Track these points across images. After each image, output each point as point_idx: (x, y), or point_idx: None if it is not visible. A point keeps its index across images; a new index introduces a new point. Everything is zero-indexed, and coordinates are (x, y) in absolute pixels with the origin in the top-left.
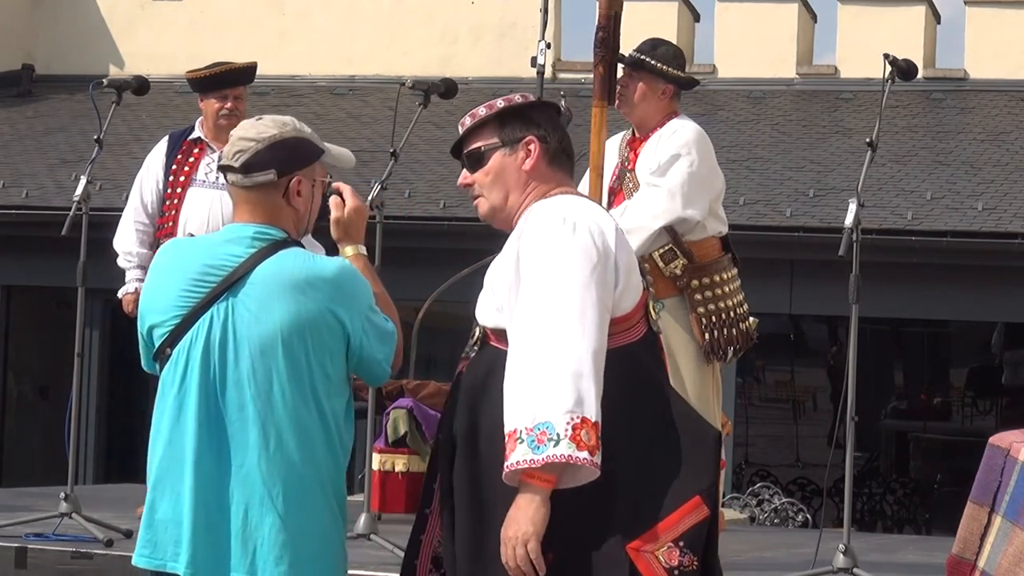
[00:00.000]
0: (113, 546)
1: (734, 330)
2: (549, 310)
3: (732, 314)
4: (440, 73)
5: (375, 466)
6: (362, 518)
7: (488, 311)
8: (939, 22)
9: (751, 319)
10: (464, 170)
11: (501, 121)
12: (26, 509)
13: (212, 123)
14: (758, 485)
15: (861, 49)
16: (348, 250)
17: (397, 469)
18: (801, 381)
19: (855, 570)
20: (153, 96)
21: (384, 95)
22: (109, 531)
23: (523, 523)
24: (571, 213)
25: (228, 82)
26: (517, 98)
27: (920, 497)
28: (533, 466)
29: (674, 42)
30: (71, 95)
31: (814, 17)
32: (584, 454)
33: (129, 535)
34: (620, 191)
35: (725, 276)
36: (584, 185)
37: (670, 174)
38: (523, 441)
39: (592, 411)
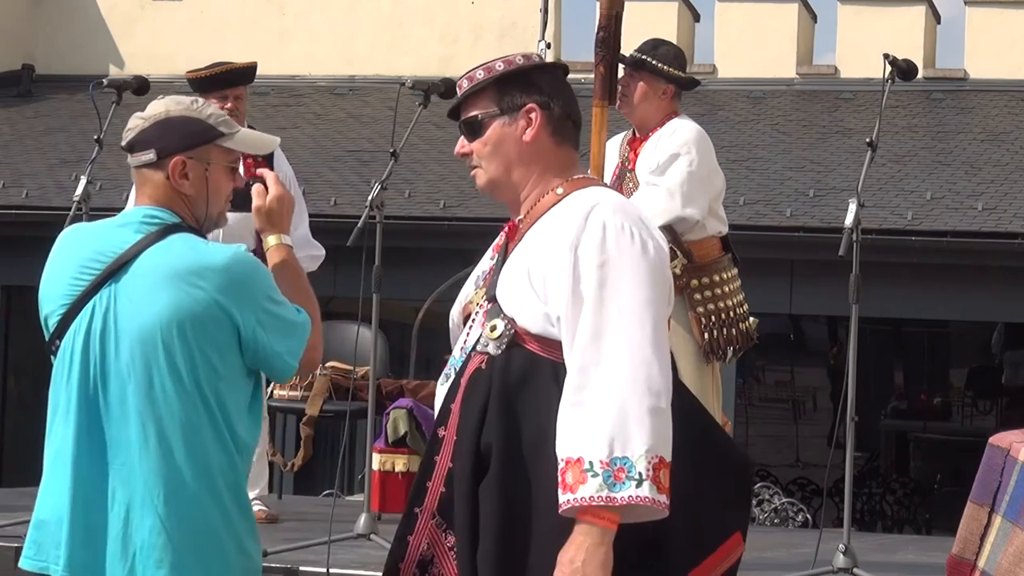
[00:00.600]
0: None
1: (734, 330)
2: (626, 338)
3: (732, 314)
4: (440, 73)
5: (375, 466)
6: (362, 518)
7: (532, 315)
8: (939, 22)
9: (751, 319)
10: (462, 137)
11: (500, 86)
12: (26, 509)
13: None
14: (758, 485)
15: (861, 49)
16: (271, 239)
17: (397, 469)
18: (801, 381)
19: (855, 570)
20: (153, 96)
21: (384, 95)
22: None
23: (593, 568)
24: (634, 223)
25: (228, 82)
26: (518, 59)
27: (920, 497)
28: (609, 504)
29: (674, 42)
30: (71, 95)
31: (814, 17)
32: (664, 497)
33: None
34: (620, 191)
35: (725, 276)
36: None
37: (669, 173)
38: (596, 475)
39: (668, 451)
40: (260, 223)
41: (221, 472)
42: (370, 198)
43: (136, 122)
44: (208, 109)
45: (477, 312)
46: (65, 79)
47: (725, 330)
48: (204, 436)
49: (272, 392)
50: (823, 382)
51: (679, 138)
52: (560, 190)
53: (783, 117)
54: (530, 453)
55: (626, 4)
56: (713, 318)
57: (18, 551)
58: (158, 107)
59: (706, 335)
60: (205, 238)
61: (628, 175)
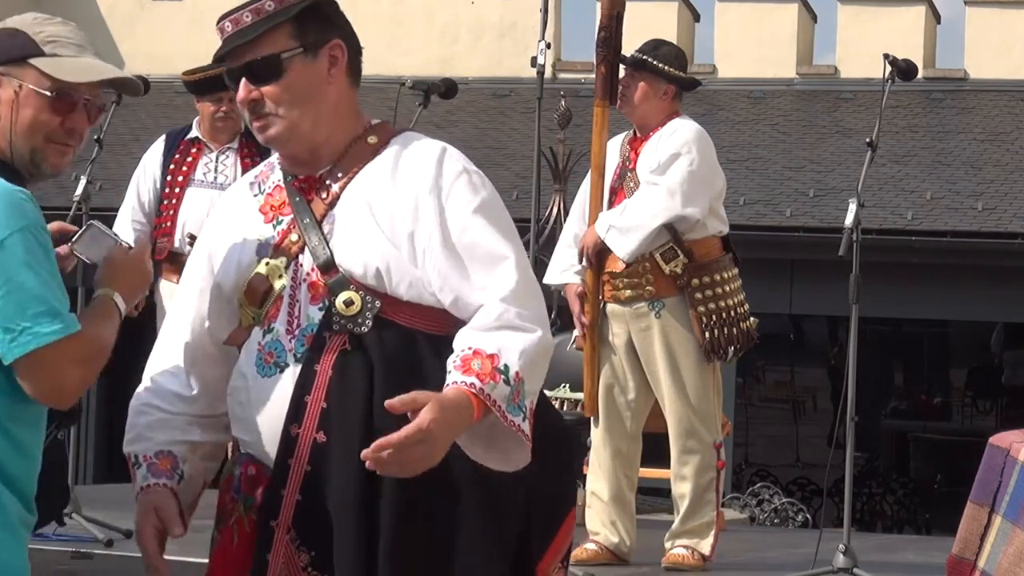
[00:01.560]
0: (113, 546)
1: (734, 329)
2: (522, 273)
3: (732, 313)
4: (440, 73)
5: None
6: None
7: (402, 281)
8: (939, 22)
9: (751, 319)
10: (243, 81)
11: (299, 21)
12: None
13: (208, 125)
14: (758, 485)
15: (861, 49)
16: (100, 290)
17: None
18: (801, 381)
19: (855, 570)
20: (153, 96)
21: (384, 95)
22: (109, 531)
23: (445, 435)
24: (475, 166)
25: (223, 85)
26: None
27: (920, 497)
28: (501, 418)
29: (674, 42)
30: None
31: (814, 17)
32: (529, 445)
33: (129, 535)
34: (621, 190)
35: (725, 275)
36: (586, 184)
37: (670, 172)
38: (509, 384)
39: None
40: (102, 271)
41: None
42: None
43: None
44: (49, 27)
45: (296, 286)
46: None
47: (726, 329)
48: None
49: None
50: (823, 382)
51: (680, 138)
52: (373, 138)
53: (783, 117)
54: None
55: (627, 4)
56: (714, 317)
57: None
58: (8, 20)
59: (707, 334)
60: (23, 180)
61: (629, 175)
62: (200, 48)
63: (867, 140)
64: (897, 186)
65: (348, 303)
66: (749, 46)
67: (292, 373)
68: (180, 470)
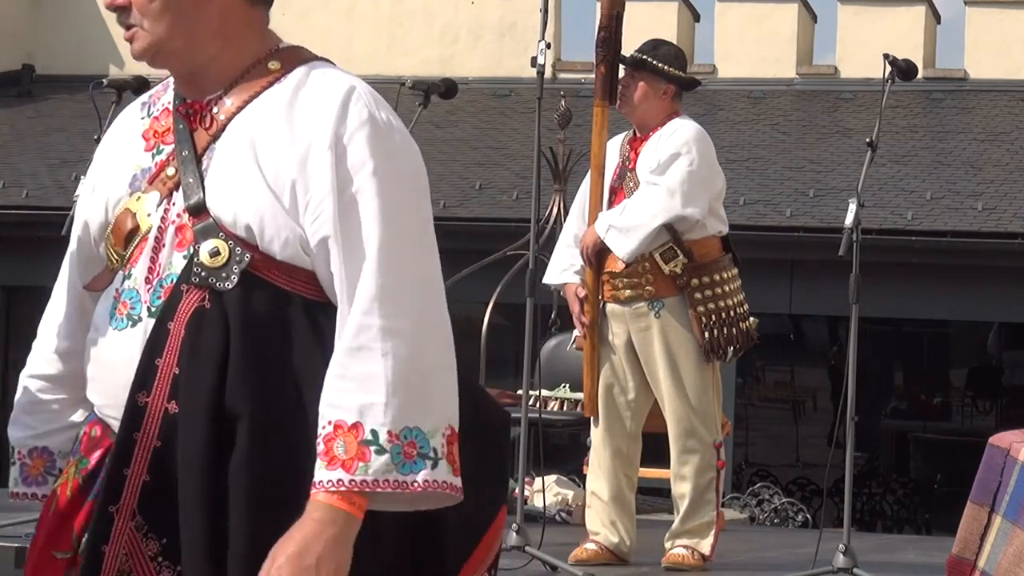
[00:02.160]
0: None
1: (734, 329)
2: (418, 269)
3: (732, 313)
4: (440, 73)
5: None
6: None
7: (277, 235)
8: (939, 22)
9: (751, 319)
10: None
11: None
12: (26, 509)
13: None
14: (758, 485)
15: (861, 49)
16: None
17: None
18: (801, 381)
19: (855, 570)
20: None
21: (384, 95)
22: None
23: (330, 570)
24: (394, 116)
25: None
26: None
27: (920, 497)
28: (399, 491)
29: (674, 42)
30: (71, 95)
31: (814, 17)
32: (458, 480)
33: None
34: (621, 190)
35: (725, 275)
36: (586, 184)
37: (670, 172)
38: (383, 451)
39: (457, 418)
40: None
41: None
42: None
43: None
44: None
45: (164, 228)
46: (65, 79)
47: (725, 329)
48: None
49: None
50: (823, 382)
51: (679, 138)
52: (274, 64)
53: (783, 117)
54: (293, 423)
55: (626, 4)
56: (713, 317)
57: (19, 551)
58: None
59: (706, 334)
60: None
61: (629, 175)
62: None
63: (867, 140)
64: (897, 186)
65: (214, 253)
66: (749, 46)
67: (144, 329)
68: (58, 469)
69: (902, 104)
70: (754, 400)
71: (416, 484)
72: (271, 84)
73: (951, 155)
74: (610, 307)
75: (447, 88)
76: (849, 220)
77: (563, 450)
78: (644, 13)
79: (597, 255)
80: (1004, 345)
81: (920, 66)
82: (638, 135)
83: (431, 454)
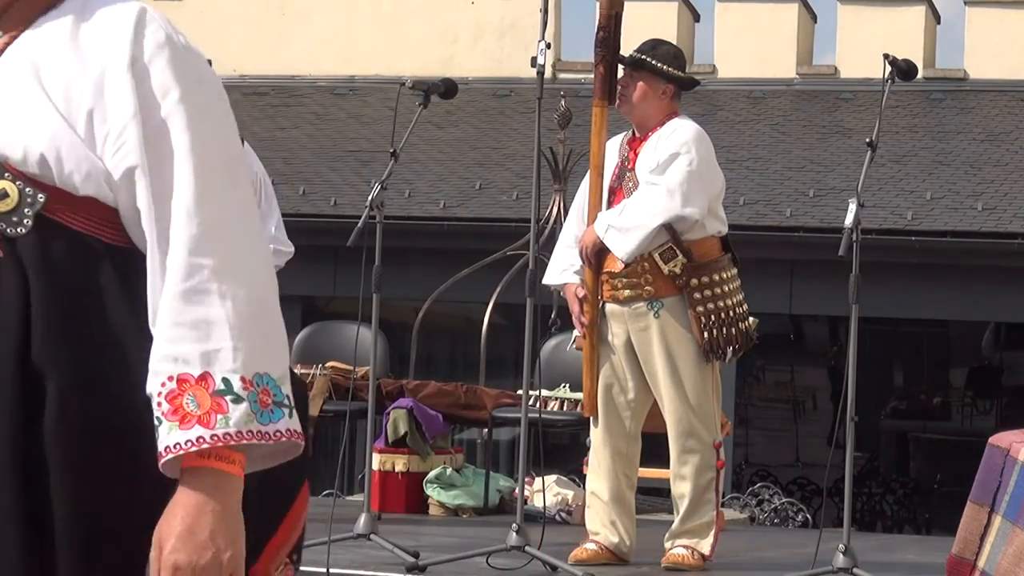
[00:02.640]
0: None
1: (734, 329)
2: (240, 205)
3: (732, 313)
4: (440, 73)
5: (375, 466)
6: (362, 518)
7: (75, 170)
8: (939, 22)
9: (751, 319)
10: None
11: None
12: None
13: None
14: (758, 485)
15: (861, 49)
16: None
17: (397, 469)
18: (801, 381)
19: (855, 570)
20: None
21: (384, 95)
22: None
23: (230, 537)
24: (186, 38)
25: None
26: None
27: (920, 497)
28: (259, 441)
29: (674, 42)
30: None
31: (814, 17)
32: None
33: None
34: (620, 190)
35: (725, 275)
36: (585, 184)
37: (669, 172)
38: (241, 399)
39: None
40: None
41: None
42: (370, 198)
43: None
44: None
45: None
46: None
47: (725, 330)
48: None
49: None
50: (823, 382)
51: (679, 137)
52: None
53: (783, 117)
54: (116, 380)
55: (626, 4)
56: (713, 317)
57: None
58: None
59: (706, 334)
60: None
61: (628, 175)
62: (200, 48)
63: (867, 140)
64: (897, 186)
65: (2, 196)
66: (749, 46)
67: None
68: None
69: (902, 104)
70: (754, 400)
71: (279, 433)
72: (47, 10)
73: (951, 155)
74: (609, 307)
75: (447, 88)
76: (849, 220)
77: (563, 450)
78: (644, 13)
79: (596, 255)
80: (1004, 345)
81: (920, 66)
82: (637, 135)
83: (285, 402)
